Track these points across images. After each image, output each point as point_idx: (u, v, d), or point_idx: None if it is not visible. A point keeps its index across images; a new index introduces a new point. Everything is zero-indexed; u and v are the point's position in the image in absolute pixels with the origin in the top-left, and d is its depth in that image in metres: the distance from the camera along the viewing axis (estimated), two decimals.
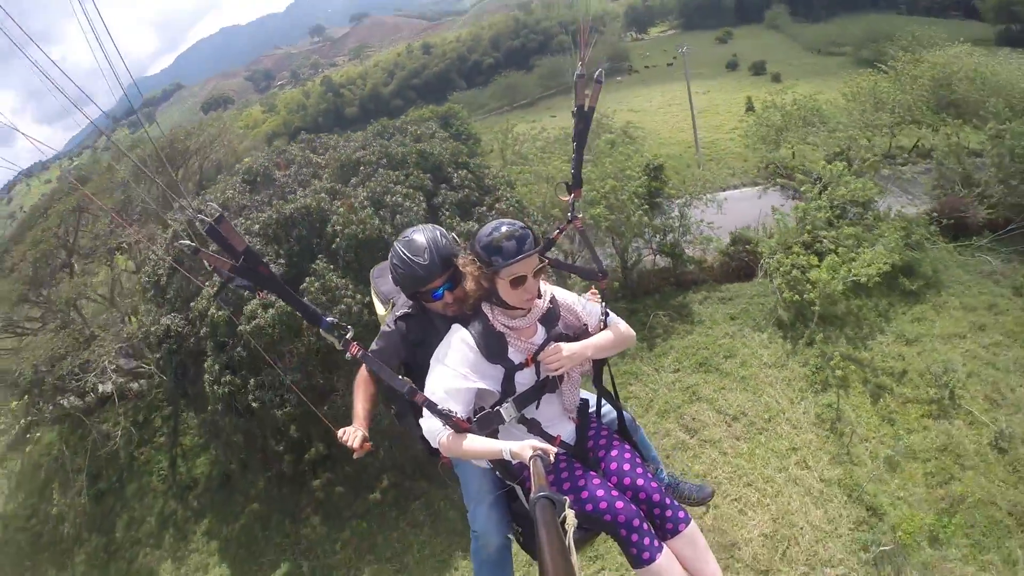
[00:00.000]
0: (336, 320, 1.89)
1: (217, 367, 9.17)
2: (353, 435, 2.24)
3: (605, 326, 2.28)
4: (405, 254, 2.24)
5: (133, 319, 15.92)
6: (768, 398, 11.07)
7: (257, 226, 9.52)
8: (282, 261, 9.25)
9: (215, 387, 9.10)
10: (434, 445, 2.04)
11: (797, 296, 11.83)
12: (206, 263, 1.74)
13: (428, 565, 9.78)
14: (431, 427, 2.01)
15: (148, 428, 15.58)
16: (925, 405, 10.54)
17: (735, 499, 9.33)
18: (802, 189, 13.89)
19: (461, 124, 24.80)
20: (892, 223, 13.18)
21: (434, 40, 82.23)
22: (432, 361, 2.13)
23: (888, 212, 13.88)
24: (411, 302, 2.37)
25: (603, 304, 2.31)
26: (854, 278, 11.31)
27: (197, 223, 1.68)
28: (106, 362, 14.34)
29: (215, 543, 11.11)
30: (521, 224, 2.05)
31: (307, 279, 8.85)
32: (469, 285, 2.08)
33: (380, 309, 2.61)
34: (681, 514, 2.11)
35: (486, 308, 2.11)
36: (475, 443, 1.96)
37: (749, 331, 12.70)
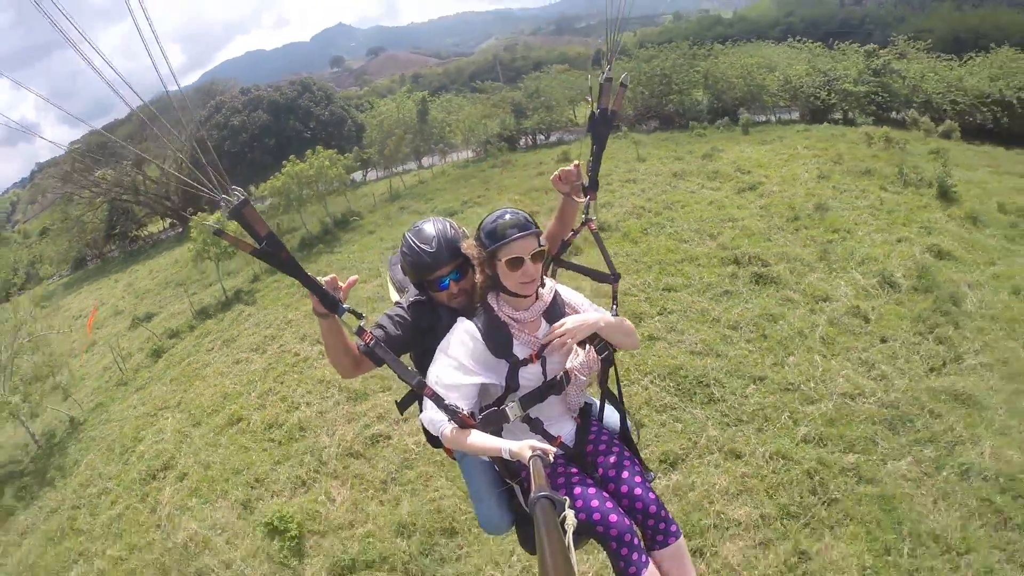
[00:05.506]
0: (352, 308, 2.02)
1: None
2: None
3: None
4: (414, 242, 2.30)
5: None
6: None
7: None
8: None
9: None
10: (434, 434, 2.09)
11: None
12: (230, 243, 1.88)
13: None
14: (433, 417, 2.05)
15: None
16: None
17: None
18: None
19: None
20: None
21: (425, 72, 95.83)
22: (436, 352, 2.16)
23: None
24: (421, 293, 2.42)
25: (614, 306, 2.37)
26: None
27: (223, 205, 1.79)
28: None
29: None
30: (524, 214, 2.13)
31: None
32: (478, 276, 2.17)
33: (394, 296, 2.70)
34: (673, 527, 2.14)
35: (491, 299, 2.18)
36: (477, 439, 2.00)
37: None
